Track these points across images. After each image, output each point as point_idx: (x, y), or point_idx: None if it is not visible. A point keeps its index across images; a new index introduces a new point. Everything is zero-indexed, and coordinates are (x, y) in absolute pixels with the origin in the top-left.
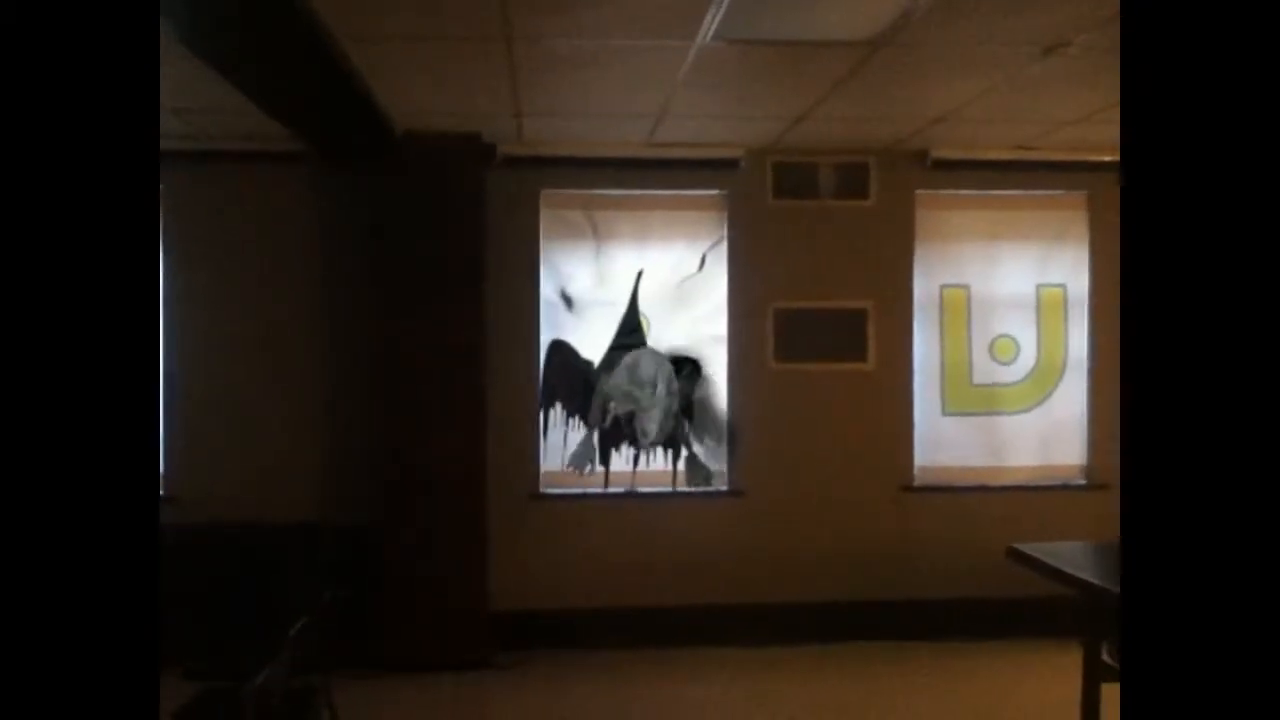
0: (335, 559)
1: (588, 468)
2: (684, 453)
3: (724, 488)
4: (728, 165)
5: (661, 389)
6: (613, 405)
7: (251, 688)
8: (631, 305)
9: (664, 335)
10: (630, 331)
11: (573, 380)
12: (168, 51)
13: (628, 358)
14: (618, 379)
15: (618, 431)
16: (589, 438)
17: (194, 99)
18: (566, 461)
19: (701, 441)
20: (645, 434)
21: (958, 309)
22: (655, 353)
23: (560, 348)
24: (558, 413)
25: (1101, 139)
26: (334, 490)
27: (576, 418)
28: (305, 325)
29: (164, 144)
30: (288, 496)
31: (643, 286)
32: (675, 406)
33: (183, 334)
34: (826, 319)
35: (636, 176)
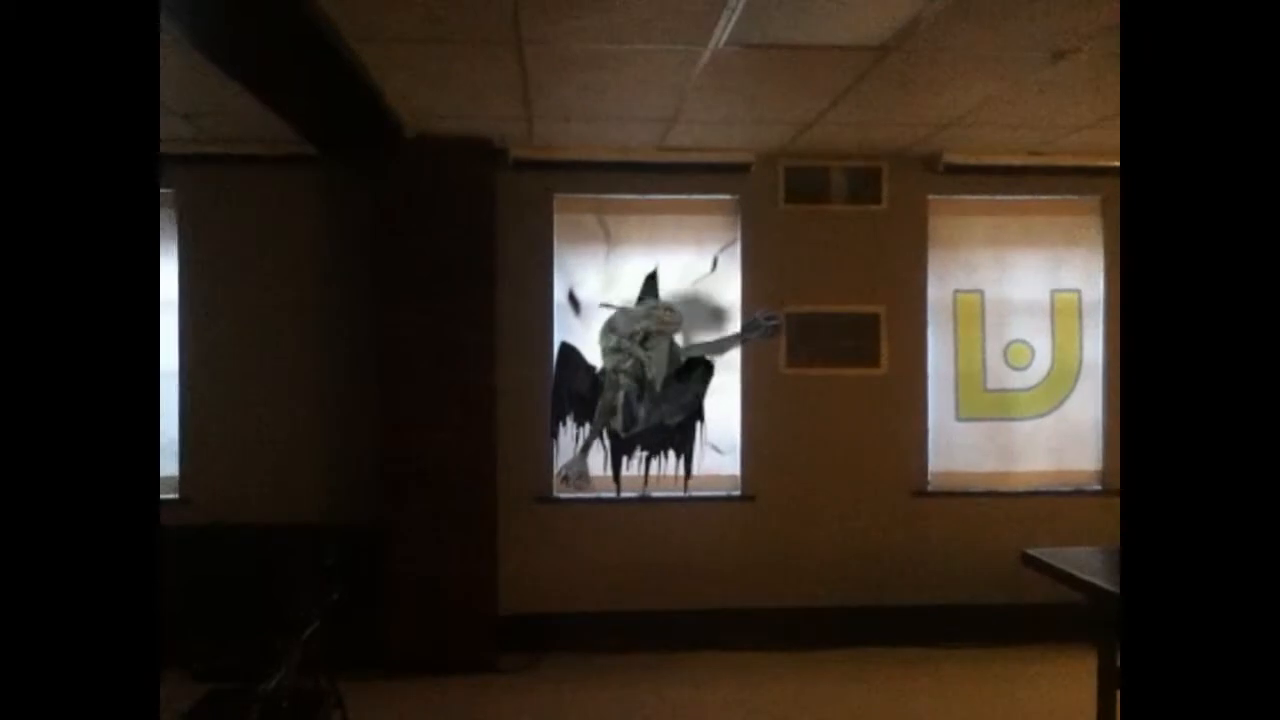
0: (343, 561)
1: (574, 481)
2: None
3: (735, 492)
4: (739, 169)
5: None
6: (610, 374)
7: (261, 689)
8: (642, 302)
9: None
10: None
11: (580, 384)
12: (179, 56)
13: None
14: (605, 341)
15: (628, 438)
16: (584, 453)
17: (204, 103)
18: (558, 474)
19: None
20: (649, 399)
21: (971, 314)
22: (631, 308)
23: (568, 351)
24: (568, 416)
25: (1114, 144)
26: (343, 492)
27: (586, 425)
28: (316, 329)
29: (174, 147)
30: (297, 498)
31: (656, 287)
32: (670, 417)
33: (193, 337)
34: (839, 323)
35: (648, 180)
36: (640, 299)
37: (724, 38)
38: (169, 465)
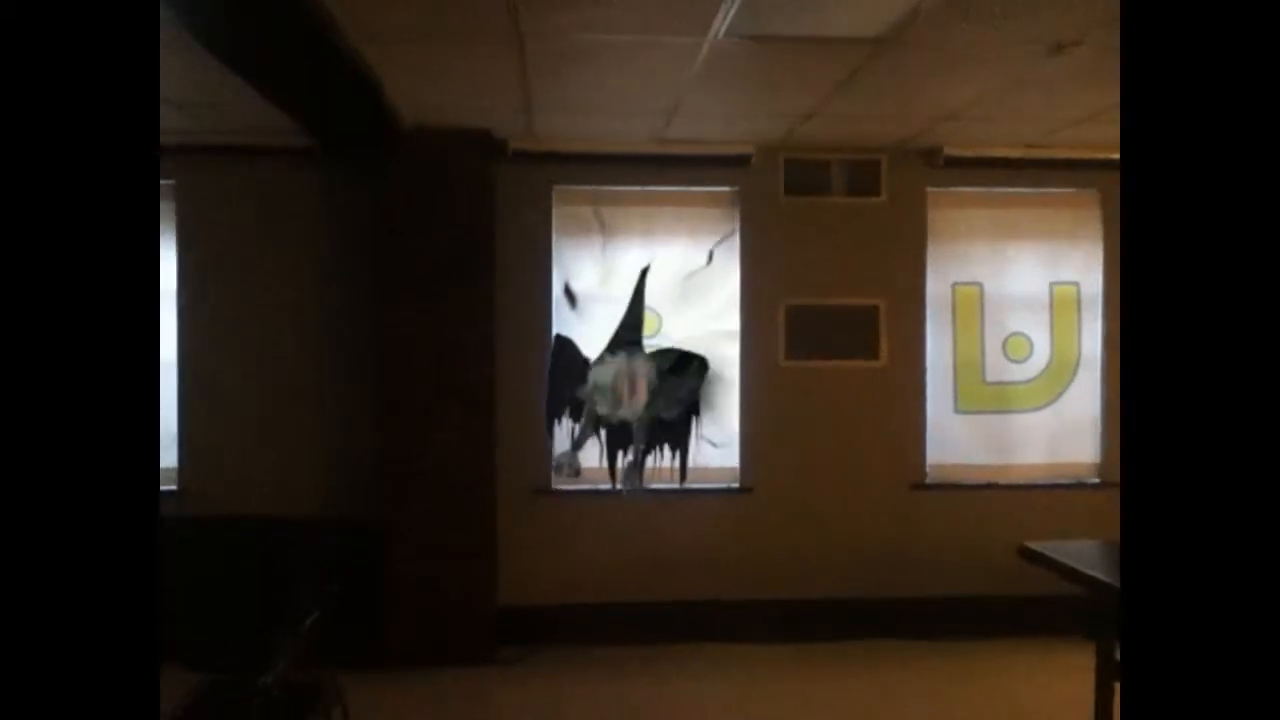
0: (342, 553)
1: (566, 471)
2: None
3: (733, 485)
4: (739, 161)
5: (642, 396)
6: (598, 408)
7: (259, 682)
8: (635, 301)
9: (674, 331)
10: (633, 328)
11: (573, 377)
12: (175, 46)
13: (610, 360)
14: (600, 378)
15: (620, 431)
16: (574, 445)
17: (200, 93)
18: (552, 464)
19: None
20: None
21: (970, 307)
22: (642, 356)
23: (563, 343)
24: (564, 411)
25: (1114, 137)
26: (341, 484)
27: (578, 419)
28: (314, 320)
29: (171, 138)
30: (295, 490)
31: (651, 281)
32: (666, 412)
33: (191, 327)
34: (838, 316)
35: (647, 172)
36: (633, 296)
37: (723, 29)
38: (166, 461)
